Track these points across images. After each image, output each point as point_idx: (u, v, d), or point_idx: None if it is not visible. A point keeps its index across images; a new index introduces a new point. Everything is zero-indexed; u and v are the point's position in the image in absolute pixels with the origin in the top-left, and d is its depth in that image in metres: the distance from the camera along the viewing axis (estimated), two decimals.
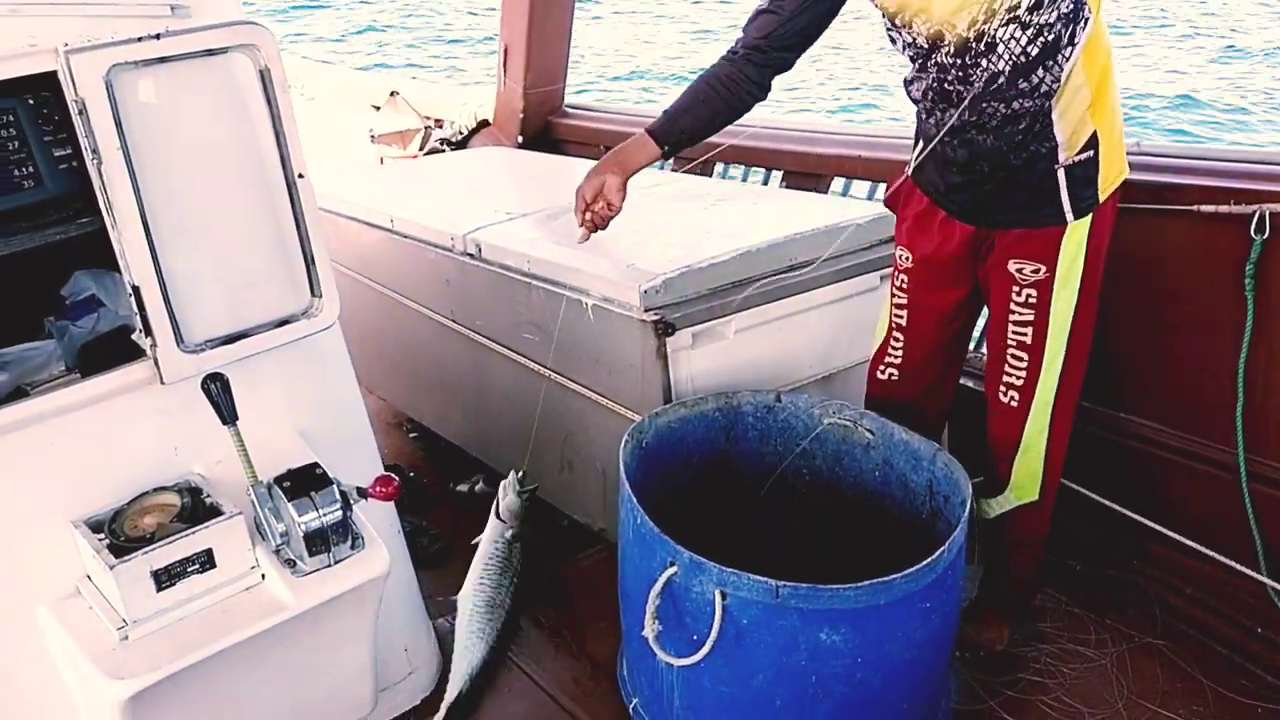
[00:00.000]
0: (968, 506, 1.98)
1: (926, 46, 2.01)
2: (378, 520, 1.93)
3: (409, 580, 2.33)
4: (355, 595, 1.81)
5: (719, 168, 3.81)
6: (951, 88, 2.03)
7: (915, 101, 2.18)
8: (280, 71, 1.71)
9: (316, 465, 1.78)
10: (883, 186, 3.30)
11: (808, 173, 3.45)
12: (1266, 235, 2.24)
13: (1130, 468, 2.64)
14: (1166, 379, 2.55)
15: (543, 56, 4.13)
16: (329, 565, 1.78)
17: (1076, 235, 2.10)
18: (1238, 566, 2.38)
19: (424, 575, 2.44)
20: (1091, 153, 2.06)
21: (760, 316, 2.46)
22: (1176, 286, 2.48)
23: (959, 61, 1.99)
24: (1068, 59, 1.95)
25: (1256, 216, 2.24)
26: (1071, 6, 1.91)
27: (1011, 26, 1.92)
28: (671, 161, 3.96)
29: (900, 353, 2.40)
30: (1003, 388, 2.25)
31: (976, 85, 1.99)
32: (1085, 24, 1.94)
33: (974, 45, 1.95)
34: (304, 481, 1.74)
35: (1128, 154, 2.49)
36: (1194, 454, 2.52)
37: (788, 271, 2.52)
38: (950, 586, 1.93)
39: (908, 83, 2.16)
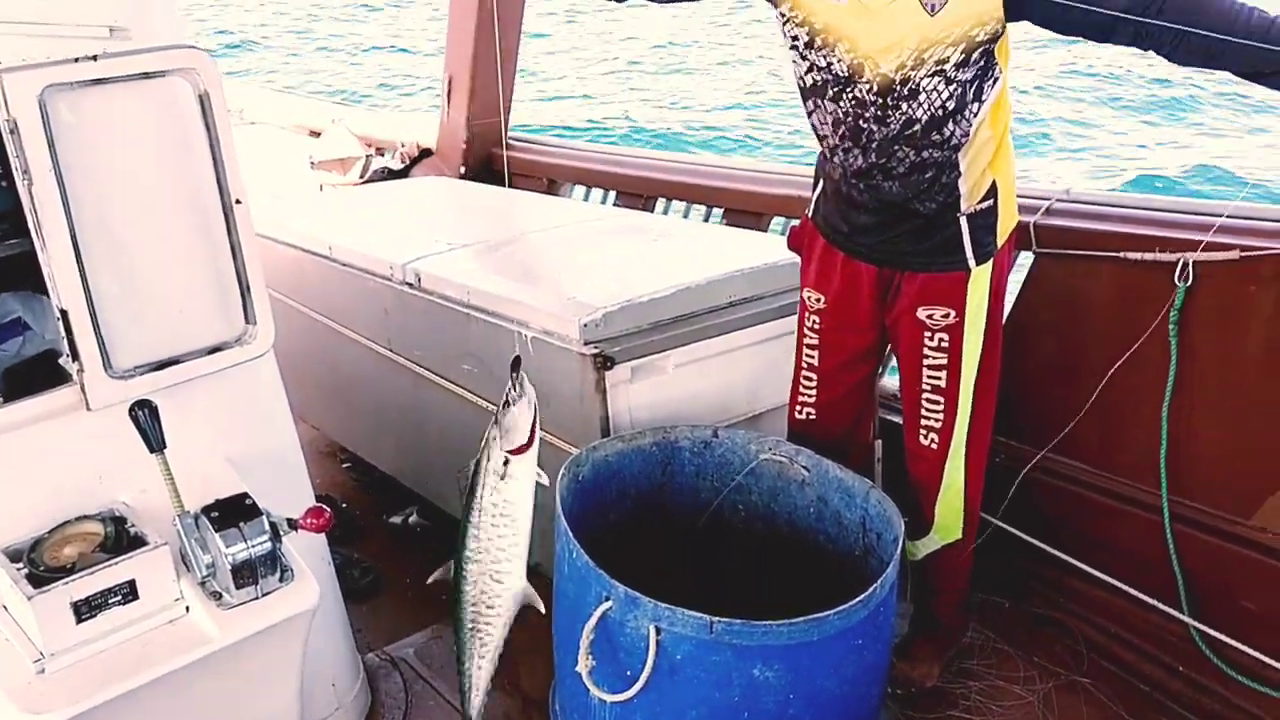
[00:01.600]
0: (900, 543, 2.00)
1: (844, 76, 2.02)
2: (307, 552, 1.90)
3: (338, 614, 2.29)
4: (282, 629, 1.77)
5: (661, 203, 3.83)
6: (865, 125, 2.03)
7: (818, 133, 2.17)
8: (220, 96, 1.70)
9: (246, 495, 1.75)
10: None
11: (748, 211, 3.49)
12: (1190, 283, 2.31)
13: (1057, 506, 2.69)
14: (1093, 420, 2.61)
15: (487, 88, 4.13)
16: (256, 598, 1.74)
17: (980, 280, 2.17)
18: (1160, 606, 2.44)
19: (354, 609, 2.40)
20: (991, 201, 2.13)
21: (699, 352, 2.47)
22: (1104, 330, 2.54)
23: (880, 101, 2.00)
24: (975, 114, 2.01)
25: (1180, 265, 2.31)
26: (984, 64, 1.96)
27: (937, 79, 1.96)
28: (614, 195, 4.00)
29: (814, 393, 2.43)
30: (922, 431, 2.29)
31: (893, 127, 2.01)
32: (995, 82, 2.00)
33: (898, 88, 1.97)
34: (232, 512, 1.71)
35: (1058, 200, 2.59)
36: (1119, 494, 2.57)
37: (727, 308, 2.55)
38: (883, 623, 1.95)
39: (811, 112, 2.14)
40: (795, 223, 3.50)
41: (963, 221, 2.12)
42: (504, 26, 4.04)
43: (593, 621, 1.85)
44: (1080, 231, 2.49)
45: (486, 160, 4.27)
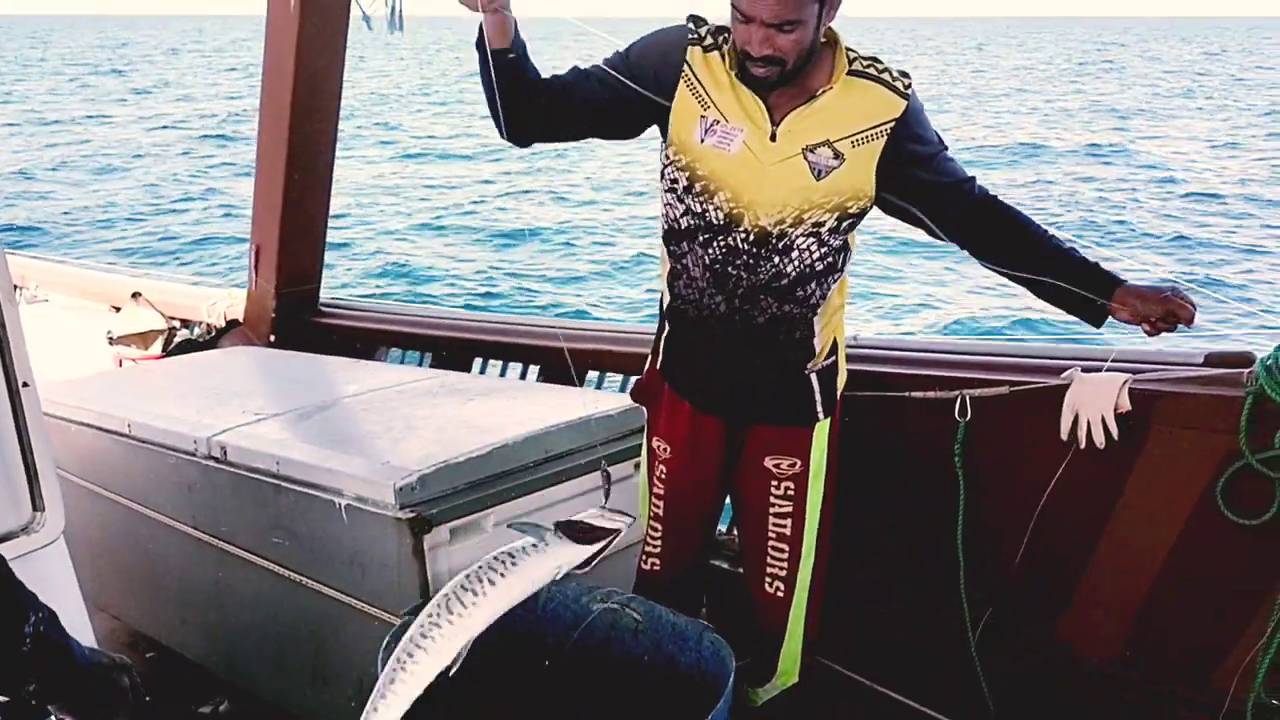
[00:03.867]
0: (731, 681, 2.01)
1: (719, 224, 2.10)
2: None
3: None
4: None
5: (478, 363, 3.87)
6: (734, 272, 2.12)
7: (685, 276, 2.21)
8: (6, 281, 1.65)
9: None
10: (635, 379, 3.45)
11: (564, 367, 3.57)
12: (969, 418, 2.50)
13: (873, 636, 2.77)
14: (900, 551, 2.74)
15: (296, 257, 4.12)
16: None
17: (824, 430, 2.28)
18: None
19: None
20: (834, 358, 2.28)
21: (519, 508, 2.47)
22: (902, 465, 2.70)
23: (754, 250, 2.09)
24: (834, 282, 2.17)
25: (959, 401, 2.50)
26: (847, 238, 2.14)
27: (811, 239, 2.09)
28: (431, 357, 4.01)
29: (660, 543, 2.46)
30: (768, 579, 2.33)
31: (761, 277, 2.11)
32: (849, 256, 2.19)
33: (773, 241, 2.08)
34: (15, 714, 1.58)
35: (848, 347, 2.77)
36: (928, 620, 2.68)
37: (545, 463, 2.57)
38: None
39: (680, 255, 2.19)
40: (613, 375, 3.62)
41: (813, 378, 2.25)
42: (312, 193, 4.07)
43: None
44: (870, 374, 2.66)
45: (298, 329, 4.22)
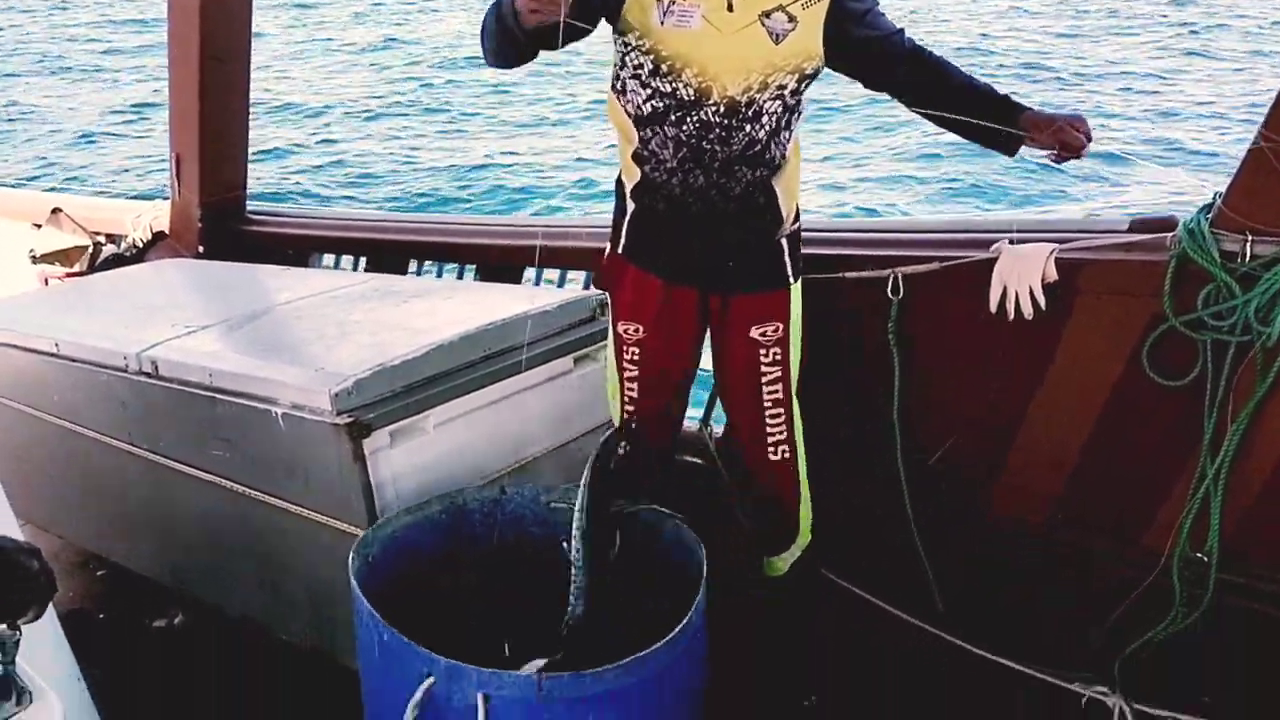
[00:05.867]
0: (704, 567, 2.04)
1: (689, 100, 2.14)
2: (50, 667, 1.76)
3: None
4: None
5: (413, 265, 3.81)
6: (709, 146, 2.17)
7: (654, 159, 2.23)
8: None
9: None
10: (577, 274, 3.42)
11: (501, 265, 3.52)
12: (901, 295, 2.51)
13: (827, 521, 2.82)
14: (840, 430, 2.77)
15: (219, 165, 3.99)
16: None
17: (796, 294, 2.34)
18: (926, 626, 2.60)
19: None
20: (799, 223, 2.34)
21: (459, 408, 2.47)
22: (841, 344, 2.71)
23: (725, 122, 2.14)
24: (789, 138, 2.22)
25: (891, 279, 2.51)
26: (803, 96, 2.21)
27: (777, 103, 2.15)
28: (364, 261, 3.94)
29: (637, 426, 2.47)
30: (770, 447, 2.40)
31: (735, 148, 2.17)
32: (801, 115, 2.23)
33: (743, 110, 2.13)
34: None
35: None
36: (873, 508, 2.72)
37: (483, 361, 2.56)
38: (698, 647, 1.99)
39: (647, 140, 2.22)
40: (549, 271, 3.57)
41: (784, 243, 2.31)
42: (231, 96, 3.92)
43: (418, 696, 1.78)
44: (806, 256, 2.67)
45: (226, 238, 4.11)
